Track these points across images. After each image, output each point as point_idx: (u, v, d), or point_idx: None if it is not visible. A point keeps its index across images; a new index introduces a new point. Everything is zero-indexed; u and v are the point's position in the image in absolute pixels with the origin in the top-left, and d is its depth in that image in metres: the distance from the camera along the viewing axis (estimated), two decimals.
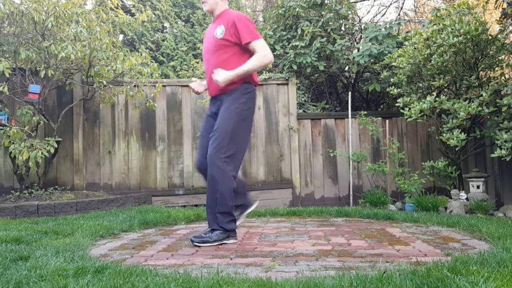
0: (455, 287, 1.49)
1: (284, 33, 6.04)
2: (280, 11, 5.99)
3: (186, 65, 7.26)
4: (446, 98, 4.39)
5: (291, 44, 5.69)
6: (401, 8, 9.49)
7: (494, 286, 1.48)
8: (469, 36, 4.01)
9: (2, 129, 4.01)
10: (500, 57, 4.32)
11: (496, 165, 4.88)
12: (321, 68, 5.50)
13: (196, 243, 2.58)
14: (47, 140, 4.16)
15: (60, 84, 4.74)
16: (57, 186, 4.74)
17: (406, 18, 9.73)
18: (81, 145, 4.94)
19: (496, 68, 4.48)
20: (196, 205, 5.01)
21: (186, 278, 1.69)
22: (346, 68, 6.25)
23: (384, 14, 12.45)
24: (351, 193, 5.07)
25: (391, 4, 9.25)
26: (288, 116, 5.42)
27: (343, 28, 6.27)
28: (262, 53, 2.64)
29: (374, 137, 5.33)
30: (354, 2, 7.83)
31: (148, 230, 3.26)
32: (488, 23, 4.22)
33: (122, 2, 7.75)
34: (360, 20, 7.44)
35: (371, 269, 1.89)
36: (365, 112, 5.20)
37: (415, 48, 4.52)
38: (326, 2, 5.98)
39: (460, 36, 4.03)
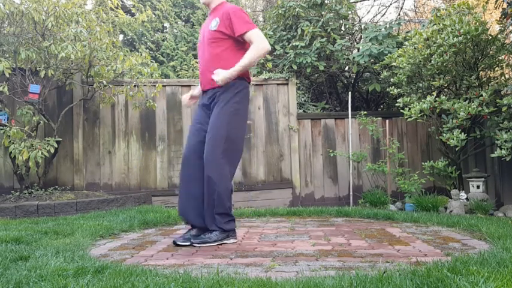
0: (455, 287, 1.49)
1: (284, 33, 6.04)
2: (280, 11, 5.99)
3: (186, 65, 7.26)
4: (446, 98, 4.39)
5: (291, 44, 5.69)
6: (401, 8, 9.49)
7: (494, 286, 1.48)
8: (469, 36, 4.01)
9: (2, 129, 4.01)
10: (500, 57, 4.32)
11: (496, 165, 4.88)
12: (321, 68, 5.50)
13: (195, 245, 2.58)
14: (47, 140, 4.16)
15: (60, 84, 4.74)
16: (57, 186, 4.74)
17: (406, 18, 9.73)
18: (81, 145, 4.94)
19: (496, 68, 4.48)
20: None
21: (186, 278, 1.69)
22: (346, 68, 6.25)
23: (384, 14, 12.47)
24: (351, 193, 5.07)
25: (391, 4, 9.25)
26: (288, 116, 5.42)
27: (343, 28, 6.27)
28: (258, 44, 2.57)
29: (374, 137, 5.33)
30: (354, 2, 7.83)
31: (148, 230, 3.26)
32: (488, 23, 4.22)
33: (122, 2, 7.75)
34: (360, 20, 7.44)
35: (371, 269, 1.89)
36: (365, 112, 5.20)
37: (415, 48, 4.52)
38: (326, 2, 5.98)
39: (460, 36, 4.03)
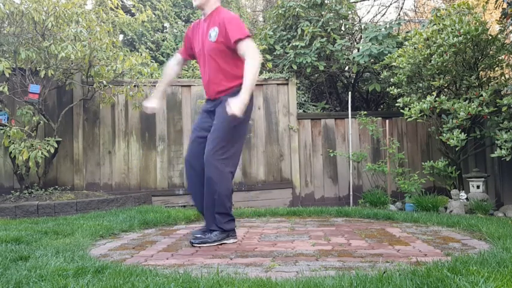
0: (455, 287, 1.49)
1: (284, 33, 6.04)
2: (280, 11, 5.99)
3: (186, 65, 7.26)
4: (446, 98, 4.39)
5: (291, 44, 5.69)
6: (401, 8, 9.49)
7: (494, 286, 1.48)
8: (469, 36, 4.01)
9: (2, 129, 4.01)
10: (500, 57, 4.32)
11: (496, 165, 4.88)
12: (321, 68, 5.50)
13: (195, 245, 2.58)
14: (47, 140, 4.16)
15: (60, 84, 4.74)
16: (57, 186, 4.73)
17: (406, 18, 9.73)
18: (81, 145, 4.94)
19: (496, 68, 4.48)
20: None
21: (186, 278, 1.69)
22: (346, 68, 6.25)
23: (384, 14, 12.46)
24: (351, 193, 5.07)
25: (391, 4, 9.25)
26: (288, 116, 5.42)
27: (343, 28, 6.27)
28: (254, 57, 2.54)
29: (374, 137, 5.33)
30: (354, 2, 7.84)
31: (148, 230, 3.26)
32: (488, 23, 4.22)
33: (122, 2, 7.75)
34: (360, 20, 7.44)
35: (371, 269, 1.89)
36: (365, 112, 5.20)
37: (415, 48, 4.52)
38: (326, 2, 5.98)
39: (460, 36, 4.03)
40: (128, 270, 1.81)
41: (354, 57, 5.44)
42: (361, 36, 6.45)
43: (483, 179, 4.43)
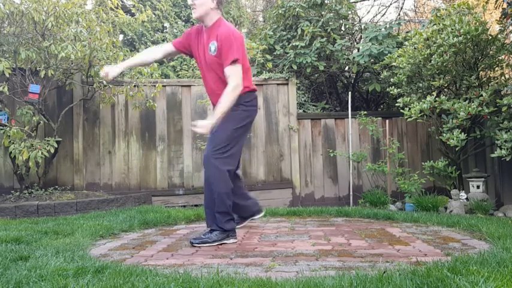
0: (455, 287, 1.49)
1: (284, 33, 6.04)
2: (280, 11, 5.99)
3: (186, 65, 7.26)
4: (446, 98, 4.39)
5: (291, 44, 5.69)
6: (401, 8, 9.49)
7: (494, 286, 1.48)
8: (469, 36, 4.01)
9: (2, 129, 4.01)
10: (500, 57, 4.32)
11: (496, 165, 4.88)
12: (321, 68, 5.50)
13: (195, 245, 2.58)
14: (47, 140, 4.15)
15: (60, 84, 4.74)
16: (57, 186, 4.73)
17: (406, 18, 9.73)
18: (81, 145, 4.94)
19: (496, 68, 4.48)
20: (196, 205, 5.01)
21: (186, 278, 1.69)
22: (346, 68, 6.25)
23: (384, 14, 12.45)
24: (351, 193, 5.07)
25: (391, 4, 9.25)
26: (288, 116, 5.42)
27: (343, 28, 6.27)
28: (236, 83, 2.56)
29: (374, 137, 5.33)
30: (354, 2, 7.84)
31: (148, 230, 3.26)
32: (488, 23, 4.22)
33: (122, 2, 7.74)
34: (360, 20, 7.44)
35: (371, 269, 1.89)
36: (365, 112, 5.20)
37: (415, 48, 4.52)
38: (326, 2, 5.98)
39: (460, 36, 4.02)
40: (128, 270, 1.81)
41: (354, 57, 5.44)
42: (361, 36, 6.45)
43: (483, 179, 4.43)
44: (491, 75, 4.64)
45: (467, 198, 4.32)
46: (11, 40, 4.16)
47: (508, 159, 3.83)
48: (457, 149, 4.40)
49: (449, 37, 4.08)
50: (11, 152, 3.93)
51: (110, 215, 3.57)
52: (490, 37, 4.12)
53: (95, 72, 4.50)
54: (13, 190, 4.48)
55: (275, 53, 5.91)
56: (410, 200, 4.45)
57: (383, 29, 5.56)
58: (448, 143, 4.24)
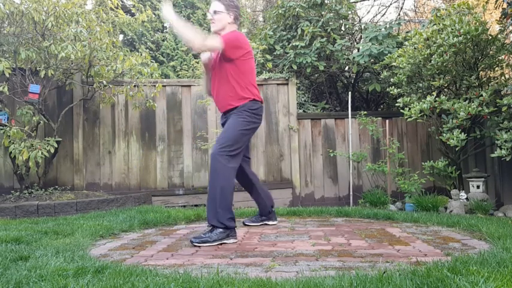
0: (455, 287, 1.49)
1: (284, 33, 6.04)
2: (280, 11, 5.99)
3: (186, 65, 7.26)
4: (446, 98, 4.39)
5: (291, 44, 5.69)
6: (401, 8, 9.49)
7: (494, 286, 1.48)
8: (469, 36, 4.01)
9: (2, 129, 4.01)
10: (500, 57, 4.32)
11: (496, 165, 4.88)
12: (321, 68, 5.50)
13: (196, 244, 2.59)
14: (47, 140, 4.16)
15: (60, 84, 4.74)
16: (57, 186, 4.74)
17: (406, 18, 9.73)
18: (81, 145, 4.94)
19: (496, 68, 4.48)
20: (196, 205, 5.01)
21: (186, 278, 1.69)
22: (346, 68, 6.25)
23: (384, 14, 12.46)
24: (351, 193, 5.07)
25: (391, 4, 9.25)
26: (288, 116, 5.42)
27: (343, 28, 6.27)
28: (203, 39, 2.73)
29: (374, 137, 5.33)
30: (354, 2, 7.84)
31: (148, 230, 3.26)
32: (488, 23, 4.22)
33: (122, 2, 7.75)
34: (360, 20, 7.44)
35: (371, 269, 1.89)
36: (365, 112, 5.20)
37: (415, 48, 4.52)
38: (326, 2, 5.98)
39: (460, 36, 4.02)
40: (128, 270, 1.81)
41: (354, 57, 5.43)
42: (361, 36, 6.45)
43: (483, 179, 4.43)
44: (491, 75, 4.64)
45: (467, 198, 4.32)
46: (11, 40, 4.16)
47: (508, 159, 3.83)
48: (457, 149, 4.40)
49: (449, 37, 4.08)
50: (11, 152, 3.93)
51: (110, 215, 3.57)
52: (490, 37, 4.12)
53: (95, 72, 4.50)
54: (13, 190, 4.48)
55: (275, 53, 5.91)
56: (410, 200, 4.45)
57: (383, 29, 5.56)
58: (448, 143, 4.24)
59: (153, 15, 7.54)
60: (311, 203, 5.21)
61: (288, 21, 6.02)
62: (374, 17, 9.59)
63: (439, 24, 4.32)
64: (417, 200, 4.31)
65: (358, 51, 5.72)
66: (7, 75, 3.92)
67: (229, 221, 2.69)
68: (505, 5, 3.93)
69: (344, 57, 5.58)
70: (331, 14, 5.77)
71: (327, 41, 5.61)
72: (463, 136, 4.10)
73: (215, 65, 2.96)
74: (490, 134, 4.29)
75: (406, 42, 4.77)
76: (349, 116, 5.21)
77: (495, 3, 4.19)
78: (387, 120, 5.23)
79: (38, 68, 4.27)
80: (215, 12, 2.89)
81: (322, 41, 5.50)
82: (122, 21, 5.55)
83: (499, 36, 4.12)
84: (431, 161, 4.54)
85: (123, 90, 4.74)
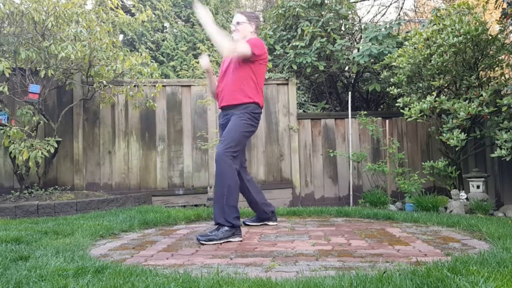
0: (455, 287, 1.49)
1: (284, 33, 6.04)
2: (280, 11, 5.99)
3: (186, 65, 7.26)
4: (446, 98, 4.39)
5: (291, 44, 5.69)
6: (401, 8, 9.49)
7: (494, 286, 1.48)
8: (469, 36, 4.01)
9: (2, 129, 4.01)
10: (500, 57, 4.32)
11: (496, 165, 4.88)
12: (321, 68, 5.50)
13: (202, 242, 2.63)
14: (47, 140, 4.16)
15: (60, 84, 4.74)
16: (57, 186, 4.74)
17: (406, 18, 9.73)
18: (81, 145, 4.94)
19: (496, 68, 4.48)
20: (196, 205, 5.01)
21: (186, 278, 1.69)
22: (346, 68, 6.24)
23: (384, 14, 12.45)
24: (351, 193, 5.07)
25: (391, 4, 9.25)
26: (288, 116, 5.42)
27: (343, 28, 6.27)
28: (232, 44, 2.86)
29: (374, 137, 5.33)
30: (354, 2, 7.83)
31: (148, 230, 3.26)
32: (488, 23, 4.22)
33: (122, 2, 7.75)
34: (360, 20, 7.44)
35: (371, 269, 1.89)
36: (365, 112, 5.20)
37: (415, 48, 4.52)
38: (326, 2, 5.97)
39: (460, 36, 4.02)
40: (128, 270, 1.81)
41: (354, 57, 5.43)
42: (361, 36, 6.45)
43: (483, 179, 4.43)
44: (491, 75, 4.64)
45: (467, 198, 4.32)
46: (11, 40, 4.16)
47: (508, 159, 3.83)
48: (457, 149, 4.40)
49: (449, 37, 4.08)
50: (11, 152, 3.93)
51: (110, 215, 3.57)
52: (490, 37, 4.12)
53: (95, 72, 4.50)
54: (13, 190, 4.48)
55: (275, 53, 5.91)
56: (410, 200, 4.45)
57: (383, 29, 5.56)
58: (448, 143, 4.24)
59: (153, 15, 7.54)
60: (311, 203, 5.21)
61: (288, 21, 6.02)
62: (374, 17, 9.59)
63: (439, 24, 4.32)
64: (417, 200, 4.31)
65: (358, 51, 5.72)
66: (7, 75, 3.92)
67: (235, 220, 2.74)
68: (505, 5, 3.93)
69: (344, 57, 5.58)
70: (331, 14, 5.77)
71: (327, 41, 5.61)
72: (463, 136, 4.10)
73: (230, 64, 3.06)
74: (490, 134, 4.29)
75: (406, 42, 4.77)
76: (349, 116, 5.21)
77: (495, 3, 4.19)
78: (387, 120, 5.23)
79: (38, 68, 4.27)
80: (238, 23, 3.08)
81: (322, 41, 5.50)
82: (122, 21, 5.56)
83: (499, 36, 4.12)
84: (431, 161, 4.54)
85: (123, 90, 4.74)
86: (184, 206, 5.01)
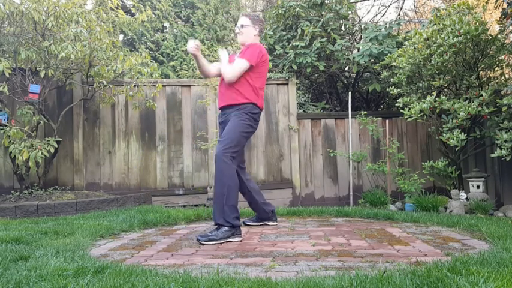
0: (455, 287, 1.49)
1: (284, 33, 6.04)
2: (280, 11, 5.99)
3: (186, 65, 7.26)
4: (446, 98, 4.39)
5: (291, 44, 5.69)
6: (401, 8, 9.49)
7: (494, 286, 1.48)
8: (469, 36, 4.01)
9: (2, 129, 4.01)
10: (500, 57, 4.32)
11: (496, 165, 4.88)
12: (321, 68, 5.50)
13: (202, 242, 2.63)
14: (47, 140, 4.16)
15: (60, 84, 4.74)
16: (57, 186, 4.74)
17: (406, 18, 9.73)
18: (81, 145, 4.94)
19: (496, 68, 4.48)
20: (196, 205, 5.01)
21: (186, 278, 1.69)
22: (346, 68, 6.24)
23: (384, 14, 12.44)
24: (351, 193, 5.07)
25: (391, 4, 9.25)
26: (288, 116, 5.42)
27: (343, 28, 6.27)
28: (231, 72, 2.95)
29: (374, 137, 5.33)
30: (354, 2, 7.83)
31: (148, 230, 3.26)
32: (488, 23, 4.22)
33: (122, 2, 7.74)
34: (360, 20, 7.44)
35: (371, 269, 1.89)
36: (365, 112, 5.20)
37: (415, 48, 4.52)
38: (326, 2, 5.97)
39: (460, 36, 4.02)
40: (128, 270, 1.81)
41: (354, 57, 5.43)
42: (361, 36, 6.45)
43: (483, 179, 4.43)
44: (491, 75, 4.63)
45: (467, 198, 4.32)
46: (11, 40, 4.16)
47: (508, 159, 3.83)
48: (457, 149, 4.40)
49: (449, 37, 4.08)
50: (11, 152, 3.93)
51: (110, 215, 3.57)
52: (490, 37, 4.12)
53: (95, 72, 4.50)
54: (13, 190, 4.48)
55: (275, 53, 5.91)
56: (410, 200, 4.45)
57: (383, 29, 5.56)
58: (448, 143, 4.24)
59: (153, 15, 7.54)
60: (311, 203, 5.21)
61: (288, 21, 6.02)
62: (374, 17, 9.59)
63: (439, 24, 4.32)
64: (417, 200, 4.31)
65: (358, 51, 5.72)
66: (7, 75, 3.92)
67: (235, 220, 2.74)
68: (505, 5, 3.93)
69: (344, 57, 5.57)
70: (331, 14, 5.77)
71: (327, 41, 5.61)
72: (463, 136, 4.10)
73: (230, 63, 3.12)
74: (490, 134, 4.29)
75: (406, 42, 4.77)
76: (349, 116, 5.21)
77: (495, 3, 4.19)
78: (387, 120, 5.23)
79: (38, 68, 4.27)
80: (242, 26, 3.14)
81: (322, 41, 5.50)
82: (122, 21, 5.56)
83: (499, 36, 4.12)
84: (431, 161, 4.54)
85: (123, 90, 4.74)
86: (184, 206, 5.01)
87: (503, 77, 4.42)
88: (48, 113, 4.68)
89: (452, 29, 4.10)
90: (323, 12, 5.84)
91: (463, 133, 4.12)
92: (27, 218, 3.64)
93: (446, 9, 4.53)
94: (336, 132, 5.47)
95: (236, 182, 2.82)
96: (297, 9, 5.76)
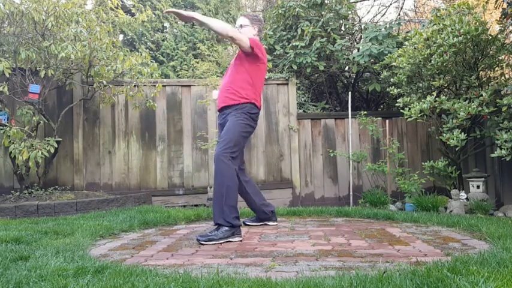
0: (455, 287, 1.49)
1: (284, 33, 6.04)
2: (280, 11, 5.99)
3: (186, 65, 7.26)
4: (446, 98, 4.39)
5: (291, 44, 5.69)
6: (401, 8, 9.49)
7: (494, 286, 1.48)
8: (469, 36, 4.01)
9: (2, 129, 4.01)
10: (500, 57, 4.32)
11: (496, 165, 4.88)
12: (321, 68, 5.50)
13: (202, 242, 2.63)
14: (47, 140, 4.16)
15: (60, 84, 4.74)
16: (57, 186, 4.74)
17: (406, 18, 9.72)
18: (81, 145, 4.94)
19: (496, 68, 4.48)
20: (196, 205, 5.01)
21: (186, 278, 1.69)
22: (346, 68, 6.24)
23: (384, 14, 12.44)
24: (351, 193, 5.07)
25: (391, 4, 9.25)
26: (288, 116, 5.42)
27: (343, 28, 6.27)
28: (232, 32, 2.85)
29: (374, 137, 5.33)
30: (354, 2, 7.83)
31: (148, 230, 3.26)
32: (488, 23, 4.22)
33: (122, 2, 7.74)
34: (360, 20, 7.44)
35: (371, 269, 1.89)
36: (365, 112, 5.20)
37: (415, 48, 4.52)
38: (326, 2, 5.97)
39: (460, 36, 4.02)
40: (128, 270, 1.81)
41: (354, 57, 5.43)
42: (361, 36, 6.45)
43: (483, 179, 4.43)
44: (491, 75, 4.63)
45: (467, 198, 4.32)
46: (11, 40, 4.16)
47: (508, 159, 3.83)
48: (457, 149, 4.40)
49: (449, 37, 4.08)
50: (11, 152, 3.93)
51: (110, 215, 3.57)
52: (490, 37, 4.12)
53: (95, 72, 4.50)
54: (13, 190, 4.48)
55: (275, 53, 5.91)
56: (410, 200, 4.45)
57: (383, 29, 5.56)
58: (448, 143, 4.24)
59: (153, 15, 7.54)
60: (311, 203, 5.21)
61: (288, 21, 6.02)
62: (374, 17, 9.59)
63: (439, 24, 4.32)
64: (417, 200, 4.31)
65: (358, 51, 5.72)
66: (7, 75, 3.92)
67: (234, 220, 2.75)
68: (505, 5, 3.93)
69: (344, 57, 5.57)
70: (331, 14, 5.77)
71: (327, 41, 5.61)
72: (463, 136, 4.10)
73: (230, 68, 3.13)
74: (490, 134, 4.29)
75: (406, 42, 4.77)
76: (349, 116, 5.21)
77: (495, 3, 4.19)
78: (387, 120, 5.23)
79: (38, 68, 4.27)
80: (241, 26, 3.14)
81: (322, 41, 5.50)
82: (122, 21, 5.55)
83: (499, 36, 4.12)
84: (431, 161, 4.54)
85: (123, 90, 4.74)
86: (184, 206, 5.01)
87: (503, 77, 4.42)
88: (48, 113, 4.68)
89: (452, 29, 4.10)
90: (323, 12, 5.84)
91: (463, 133, 4.12)
92: (27, 218, 3.64)
93: (446, 9, 4.53)
94: (336, 132, 5.47)
95: (236, 182, 2.82)
96: (297, 9, 5.76)
